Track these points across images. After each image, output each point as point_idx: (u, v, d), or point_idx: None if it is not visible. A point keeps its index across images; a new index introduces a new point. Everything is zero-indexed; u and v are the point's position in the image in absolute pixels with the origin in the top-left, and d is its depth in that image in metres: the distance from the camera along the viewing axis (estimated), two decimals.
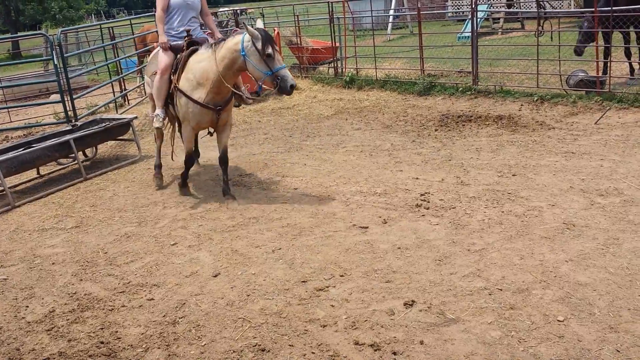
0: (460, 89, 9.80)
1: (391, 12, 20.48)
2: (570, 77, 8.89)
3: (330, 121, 9.05)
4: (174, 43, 5.96)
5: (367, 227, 4.93)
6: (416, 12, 10.98)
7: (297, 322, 3.59)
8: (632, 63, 9.19)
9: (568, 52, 9.86)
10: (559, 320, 3.35)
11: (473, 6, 9.75)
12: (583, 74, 8.77)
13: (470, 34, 10.36)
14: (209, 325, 3.67)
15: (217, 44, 5.54)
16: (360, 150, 7.31)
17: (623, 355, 3.01)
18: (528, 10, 15.36)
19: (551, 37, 9.03)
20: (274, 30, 11.80)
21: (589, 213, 4.79)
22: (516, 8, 17.75)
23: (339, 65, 12.17)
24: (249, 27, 5.26)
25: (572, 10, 15.83)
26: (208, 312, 3.81)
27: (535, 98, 8.68)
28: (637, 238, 4.28)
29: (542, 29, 8.94)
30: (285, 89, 5.32)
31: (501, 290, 3.73)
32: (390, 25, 20.01)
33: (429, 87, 10.22)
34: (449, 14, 22.11)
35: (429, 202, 5.36)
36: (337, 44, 12.21)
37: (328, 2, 11.96)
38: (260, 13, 18.28)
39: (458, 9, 22.41)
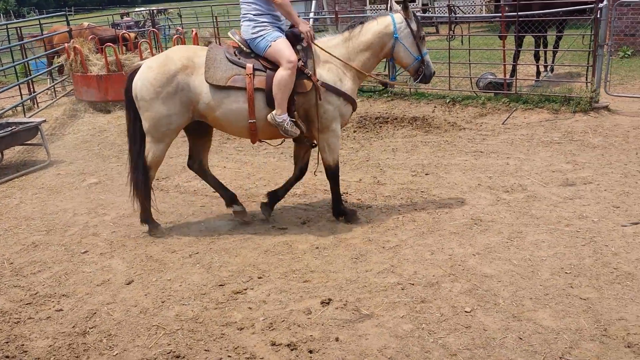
0: (377, 91, 10.03)
1: (311, 15, 20.66)
2: (480, 80, 9.31)
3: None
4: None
5: (286, 228, 4.95)
6: (337, 15, 11.12)
7: (214, 326, 3.55)
8: (539, 66, 9.77)
9: (478, 55, 10.33)
10: (466, 311, 3.50)
11: (388, 10, 9.99)
12: (492, 77, 9.22)
13: None
14: (121, 334, 3.56)
15: (352, 28, 4.81)
16: (281, 152, 7.33)
17: (525, 342, 3.19)
18: (441, 15, 15.94)
19: (462, 41, 9.42)
20: (192, 31, 11.61)
21: (495, 209, 5.04)
22: (431, 13, 18.38)
23: None
24: (397, 8, 4.80)
25: (483, 15, 16.61)
26: (120, 321, 3.70)
27: (448, 100, 9.03)
28: (539, 231, 4.55)
29: (454, 33, 9.31)
30: (429, 77, 4.87)
31: (413, 284, 3.86)
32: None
33: None
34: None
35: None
36: None
37: None
38: (178, 14, 17.94)
39: (375, 13, 22.91)
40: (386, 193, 5.63)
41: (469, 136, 7.46)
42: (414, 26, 4.75)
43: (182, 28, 13.14)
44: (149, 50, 10.43)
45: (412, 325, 3.41)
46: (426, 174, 6.09)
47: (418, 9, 18.88)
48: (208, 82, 4.54)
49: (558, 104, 8.11)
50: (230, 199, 5.14)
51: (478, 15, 17.69)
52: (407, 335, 3.31)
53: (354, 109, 4.92)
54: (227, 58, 4.64)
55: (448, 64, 9.41)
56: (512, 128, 7.66)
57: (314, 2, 21.10)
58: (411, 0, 11.97)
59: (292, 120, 4.59)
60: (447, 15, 9.41)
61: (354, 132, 8.09)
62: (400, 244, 4.49)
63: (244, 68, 4.59)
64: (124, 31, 13.79)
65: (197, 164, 5.15)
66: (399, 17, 4.76)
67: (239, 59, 4.65)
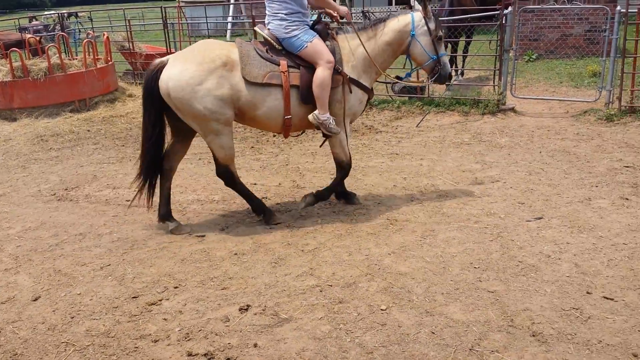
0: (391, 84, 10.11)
1: (229, 18, 20.50)
2: (395, 84, 9.56)
3: (167, 129, 8.78)
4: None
5: (204, 236, 4.87)
6: (254, 20, 11.08)
7: (127, 340, 3.43)
8: (452, 70, 10.16)
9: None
10: (382, 309, 3.57)
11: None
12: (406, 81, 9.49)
13: None
14: (27, 353, 3.37)
15: (374, 26, 4.88)
16: (199, 158, 7.21)
17: (437, 336, 3.30)
18: (357, 21, 16.29)
19: None
20: (104, 34, 11.20)
21: (410, 208, 5.19)
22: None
23: None
24: (417, 7, 4.88)
25: None
26: (27, 339, 3.49)
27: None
28: (450, 229, 4.72)
29: None
30: (445, 77, 4.99)
31: (331, 286, 3.90)
32: (229, 32, 20.01)
33: None
34: None
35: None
36: (173, 50, 11.93)
37: (161, 7, 11.63)
38: (89, 17, 17.25)
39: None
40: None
41: (385, 139, 7.65)
42: (431, 25, 4.86)
43: (94, 32, 12.66)
44: (57, 55, 9.95)
45: (330, 326, 3.44)
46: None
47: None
48: (245, 79, 4.52)
49: (468, 107, 8.48)
50: (165, 215, 5.02)
51: None
52: (325, 337, 3.34)
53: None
54: (259, 54, 4.65)
55: None
56: (425, 130, 7.92)
57: (231, 7, 20.94)
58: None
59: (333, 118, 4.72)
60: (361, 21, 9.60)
61: (274, 136, 8.09)
62: (319, 247, 4.52)
63: (278, 65, 4.63)
64: (29, 35, 13.11)
65: (169, 166, 5.00)
66: (418, 15, 4.87)
67: (271, 56, 4.68)
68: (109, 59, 10.71)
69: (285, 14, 4.67)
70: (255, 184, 6.10)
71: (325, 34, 4.79)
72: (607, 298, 3.59)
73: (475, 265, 4.09)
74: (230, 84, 4.52)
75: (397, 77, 5.45)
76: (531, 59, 12.24)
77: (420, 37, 4.86)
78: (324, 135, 4.96)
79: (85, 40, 10.79)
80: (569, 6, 8.62)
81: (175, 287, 4.01)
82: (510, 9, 8.13)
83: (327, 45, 4.71)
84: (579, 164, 6.14)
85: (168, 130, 4.93)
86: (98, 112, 9.90)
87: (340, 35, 4.90)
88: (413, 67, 5.27)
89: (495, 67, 8.66)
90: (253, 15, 10.99)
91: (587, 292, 3.66)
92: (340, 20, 4.99)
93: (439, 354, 3.13)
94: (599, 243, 4.31)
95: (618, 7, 7.93)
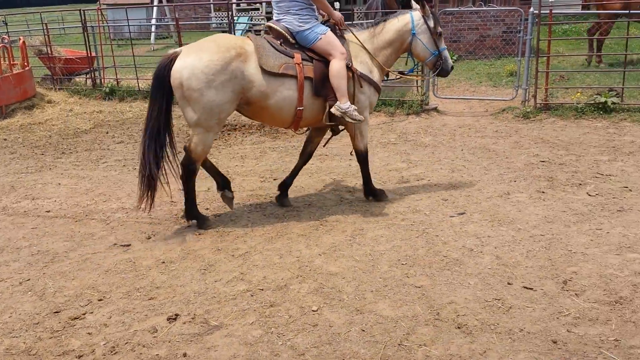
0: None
1: (153, 21, 20.01)
2: None
3: (89, 135, 8.49)
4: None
5: (129, 245, 4.73)
6: (177, 22, 10.87)
7: (49, 357, 3.28)
8: None
9: None
10: (313, 310, 3.60)
11: (230, 18, 10.03)
12: None
13: None
14: None
15: (375, 25, 5.13)
16: (123, 165, 6.99)
17: (367, 333, 3.35)
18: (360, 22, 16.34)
19: None
20: (20, 39, 10.67)
21: (340, 209, 5.25)
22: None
23: (98, 75, 11.49)
24: (416, 5, 5.15)
25: None
26: None
27: None
28: (378, 227, 4.81)
29: None
30: (447, 71, 5.26)
31: (262, 290, 3.88)
32: (153, 35, 19.53)
33: None
34: (213, 25, 22.37)
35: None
36: (94, 54, 11.51)
37: (80, 10, 11.19)
38: (3, 21, 16.36)
39: (222, 20, 22.78)
40: (235, 201, 5.59)
41: None
42: (431, 23, 5.12)
43: (9, 36, 12.01)
44: None
45: (261, 330, 3.42)
46: (274, 179, 6.17)
47: (263, 17, 19.11)
48: (263, 68, 4.58)
49: (394, 107, 8.67)
50: (224, 184, 5.14)
51: None
52: (257, 341, 3.32)
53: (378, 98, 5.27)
54: (273, 47, 4.75)
55: None
56: None
57: (155, 9, 20.45)
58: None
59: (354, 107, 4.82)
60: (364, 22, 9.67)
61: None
62: (249, 251, 4.49)
63: (292, 57, 4.74)
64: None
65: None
66: (417, 14, 5.13)
67: (285, 48, 4.78)
68: (25, 64, 10.20)
69: (297, 10, 4.83)
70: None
71: (335, 29, 4.98)
72: (527, 288, 3.77)
73: (402, 262, 4.19)
74: (244, 75, 4.57)
75: (400, 73, 5.67)
76: (452, 60, 12.67)
77: (420, 35, 5.13)
78: (333, 132, 5.24)
79: None
80: (485, 8, 8.98)
81: (100, 300, 3.87)
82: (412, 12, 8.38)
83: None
84: (498, 160, 6.41)
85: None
86: (15, 119, 9.39)
87: (348, 34, 5.08)
88: (416, 64, 5.51)
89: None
90: (177, 17, 10.77)
91: (508, 283, 3.83)
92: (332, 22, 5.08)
93: (369, 351, 3.18)
94: (518, 235, 4.52)
95: (531, 9, 8.34)
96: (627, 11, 9.15)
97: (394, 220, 4.94)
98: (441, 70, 5.28)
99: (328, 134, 5.40)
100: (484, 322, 3.40)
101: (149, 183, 4.71)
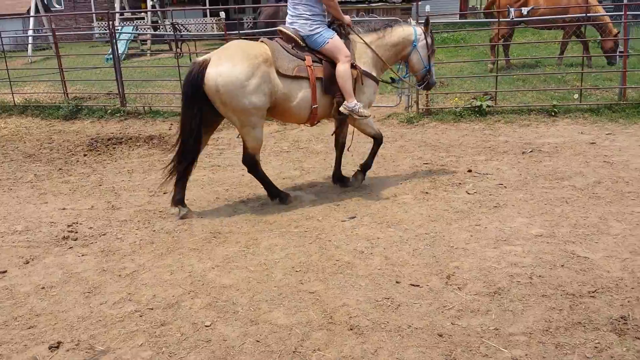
0: (109, 111, 9.58)
1: (30, 32, 18.79)
2: None
3: None
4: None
5: (5, 272, 4.38)
6: (55, 33, 10.29)
7: None
8: None
9: None
10: (206, 326, 3.52)
11: (111, 28, 9.65)
12: None
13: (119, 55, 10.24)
14: None
15: (383, 29, 5.61)
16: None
17: (262, 343, 3.33)
18: (169, 32, 15.93)
19: (190, 58, 9.53)
20: None
21: (233, 219, 5.19)
22: (162, 30, 18.22)
23: None
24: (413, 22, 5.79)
25: (208, 33, 17.06)
26: None
27: None
28: (272, 236, 4.81)
29: (181, 51, 9.38)
30: (432, 84, 5.92)
31: (152, 309, 3.74)
32: (30, 46, 18.34)
33: (75, 111, 9.72)
34: (96, 35, 21.41)
35: (77, 232, 5.07)
36: None
37: None
38: None
39: (105, 30, 21.87)
40: (122, 217, 5.37)
41: (206, 151, 7.54)
42: (429, 40, 5.71)
43: None
44: None
45: (151, 351, 3.29)
46: (164, 193, 5.99)
47: (148, 27, 18.56)
48: (279, 72, 4.99)
49: None
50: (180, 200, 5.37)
51: (204, 33, 18.12)
52: None
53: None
54: (286, 50, 5.14)
55: (179, 81, 9.43)
56: None
57: (32, 19, 19.20)
58: (215, 15, 11.54)
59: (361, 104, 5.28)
60: (174, 33, 9.46)
61: (85, 155, 7.58)
62: (138, 269, 4.32)
63: (303, 60, 5.14)
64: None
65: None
66: (419, 30, 5.71)
67: (296, 52, 5.17)
68: None
69: (310, 15, 5.21)
70: (64, 208, 5.66)
71: (341, 33, 5.39)
72: (414, 285, 3.92)
73: (297, 269, 4.21)
74: (271, 78, 4.98)
75: (392, 79, 6.10)
76: None
77: (420, 48, 5.68)
78: (339, 126, 5.70)
79: None
80: (367, 19, 9.30)
81: None
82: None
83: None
84: (385, 164, 6.65)
85: None
86: None
87: (353, 35, 5.50)
88: (406, 73, 6.01)
89: None
90: (53, 28, 10.18)
91: (397, 282, 3.97)
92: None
93: None
94: (404, 235, 4.70)
95: (410, 19, 8.72)
96: (521, 18, 9.85)
97: (288, 227, 4.96)
98: (427, 83, 5.89)
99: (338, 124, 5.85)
100: (375, 321, 3.50)
101: (179, 176, 5.24)
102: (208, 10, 23.48)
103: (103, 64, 14.66)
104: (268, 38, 5.30)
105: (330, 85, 5.23)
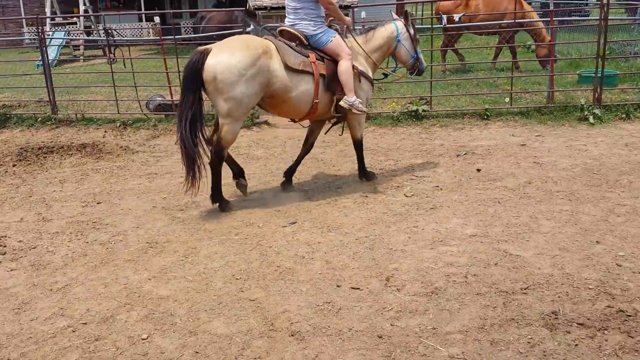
0: (40, 119, 9.20)
1: None
2: (150, 102, 9.33)
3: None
4: None
5: None
6: None
7: None
8: None
9: (142, 78, 10.32)
10: (143, 339, 3.42)
11: (42, 34, 9.30)
12: (161, 99, 9.32)
13: (50, 61, 9.87)
14: None
15: (367, 32, 5.92)
16: None
17: (201, 354, 3.27)
18: (102, 38, 15.49)
19: (124, 64, 9.29)
20: None
21: (171, 229, 5.08)
22: (95, 36, 17.67)
23: None
24: (395, 16, 6.06)
25: (144, 38, 16.70)
26: None
27: (118, 124, 8.81)
28: (212, 244, 4.74)
29: (115, 56, 9.14)
30: (422, 70, 6.14)
31: (85, 324, 3.61)
32: None
33: (4, 120, 9.28)
34: (27, 41, 20.53)
35: (5, 246, 4.83)
36: None
37: None
38: None
39: (35, 35, 21.03)
40: (53, 229, 5.16)
41: (142, 159, 7.38)
42: (411, 31, 5.97)
43: None
44: None
45: None
46: (98, 203, 5.81)
47: (81, 32, 17.97)
48: (286, 64, 5.20)
49: None
50: (239, 172, 5.76)
51: (138, 38, 17.72)
52: None
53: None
54: (290, 47, 5.37)
55: (113, 87, 9.19)
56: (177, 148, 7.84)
57: None
58: (252, 15, 11.13)
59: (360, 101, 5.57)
60: (107, 38, 9.19)
61: (14, 166, 7.23)
62: (70, 283, 4.15)
63: (307, 57, 5.39)
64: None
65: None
66: (400, 24, 5.96)
67: (300, 49, 5.42)
68: None
69: (311, 17, 5.50)
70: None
71: (339, 33, 5.67)
72: (354, 288, 3.95)
73: (237, 276, 4.17)
74: (269, 70, 5.14)
75: (384, 75, 6.43)
76: None
77: (404, 41, 5.95)
78: (337, 120, 5.87)
79: None
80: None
81: None
82: (252, 27, 8.53)
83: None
84: (326, 168, 6.69)
85: None
86: None
87: (349, 37, 5.81)
88: (396, 66, 6.28)
89: None
90: None
91: (337, 286, 3.99)
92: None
93: None
94: (345, 239, 4.73)
95: (392, 13, 8.80)
96: (452, 24, 10.09)
97: (228, 235, 4.90)
98: (418, 70, 6.15)
99: (327, 125, 6.12)
100: (316, 326, 3.50)
101: (193, 168, 5.15)
102: (144, 15, 22.97)
103: (34, 70, 14.06)
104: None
105: (331, 82, 5.49)
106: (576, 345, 3.24)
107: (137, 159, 7.41)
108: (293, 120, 5.87)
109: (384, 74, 6.40)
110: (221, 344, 3.36)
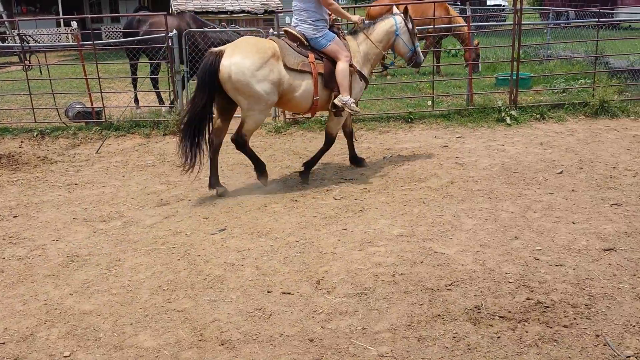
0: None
1: None
2: (69, 110, 8.96)
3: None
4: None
5: None
6: None
7: None
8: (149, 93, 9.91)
9: (60, 85, 9.89)
10: (65, 357, 3.28)
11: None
12: (80, 106, 8.97)
13: None
14: None
15: (367, 28, 6.19)
16: None
17: None
18: (16, 44, 14.70)
19: (40, 71, 8.89)
20: None
21: (92, 241, 4.90)
22: (10, 42, 16.76)
23: None
24: (397, 12, 6.27)
25: (61, 44, 16.02)
26: None
27: (36, 133, 8.41)
28: (137, 255, 4.61)
29: (30, 63, 8.71)
30: (420, 63, 6.41)
31: (4, 343, 3.42)
32: None
33: None
34: None
35: None
36: None
37: None
38: None
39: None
40: None
41: (62, 169, 7.08)
42: (409, 25, 6.24)
43: None
44: None
45: None
46: (15, 217, 5.52)
47: None
48: (286, 66, 5.63)
49: (149, 129, 8.44)
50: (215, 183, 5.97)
51: (55, 44, 16.96)
52: None
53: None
54: (291, 47, 5.77)
55: (30, 95, 8.76)
56: (106, 156, 7.60)
57: None
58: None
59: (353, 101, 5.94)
60: (21, 44, 8.75)
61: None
62: None
63: (307, 57, 5.78)
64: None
65: (219, 141, 5.98)
66: (399, 18, 6.25)
67: (300, 50, 5.80)
68: None
69: (313, 21, 5.82)
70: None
71: (338, 35, 6.00)
72: (285, 293, 3.95)
73: (164, 287, 4.07)
74: (278, 71, 5.62)
75: (383, 66, 6.83)
76: None
77: (402, 35, 6.23)
78: (335, 114, 6.05)
79: None
80: (228, 29, 9.28)
81: None
82: (174, 32, 8.38)
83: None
84: (254, 174, 6.63)
85: None
86: None
87: (348, 36, 6.19)
88: (394, 58, 6.79)
89: (169, 89, 8.81)
90: None
91: (268, 291, 3.97)
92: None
93: None
94: (275, 244, 4.72)
95: (271, 30, 8.84)
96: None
97: (154, 245, 4.78)
98: (415, 62, 6.43)
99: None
100: (247, 333, 3.47)
101: (193, 158, 5.65)
102: (62, 20, 22.01)
103: None
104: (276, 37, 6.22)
105: (329, 81, 5.85)
106: (498, 337, 3.38)
107: (56, 169, 7.09)
108: (297, 114, 6.44)
109: (383, 65, 6.84)
110: (148, 357, 3.27)
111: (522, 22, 5.83)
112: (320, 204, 5.61)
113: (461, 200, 5.51)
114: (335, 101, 5.85)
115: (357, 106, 6.12)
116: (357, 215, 5.27)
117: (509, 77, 8.99)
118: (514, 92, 8.74)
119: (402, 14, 6.35)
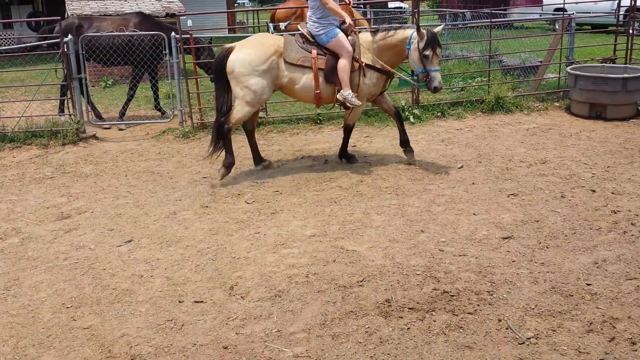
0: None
1: None
2: None
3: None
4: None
5: None
6: None
7: None
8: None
9: None
10: None
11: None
12: None
13: None
14: None
15: (387, 31, 6.24)
16: None
17: None
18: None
19: None
20: None
21: None
22: None
23: None
24: (421, 28, 5.90)
25: None
26: None
27: None
28: (37, 272, 4.35)
29: None
30: (432, 90, 6.07)
31: None
32: None
33: None
34: None
35: None
36: None
37: None
38: None
39: None
40: None
41: None
42: (420, 45, 5.90)
43: None
44: None
45: None
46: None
47: None
48: (285, 61, 6.10)
49: (46, 139, 7.99)
50: (260, 159, 6.76)
51: None
52: None
53: (385, 87, 6.58)
54: (297, 44, 6.21)
55: None
56: (1, 169, 7.11)
57: None
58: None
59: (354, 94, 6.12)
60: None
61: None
62: None
63: (310, 53, 6.14)
64: None
65: (251, 127, 6.69)
66: (415, 34, 5.98)
67: (306, 46, 6.19)
68: None
69: (317, 18, 6.17)
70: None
71: (347, 32, 6.19)
72: (197, 302, 3.88)
73: (67, 305, 3.87)
74: (279, 67, 6.12)
75: (412, 73, 6.45)
76: (107, 85, 12.33)
77: (412, 51, 6.02)
78: (343, 106, 6.32)
79: None
80: (127, 33, 8.95)
81: None
82: (70, 36, 7.99)
83: (349, 40, 6.12)
84: (163, 181, 6.47)
85: None
86: None
87: (362, 33, 6.38)
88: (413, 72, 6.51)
89: (67, 97, 8.38)
90: None
91: (180, 301, 3.88)
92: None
93: None
94: (186, 252, 4.62)
95: (172, 33, 8.61)
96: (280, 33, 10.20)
97: (55, 261, 4.53)
98: (428, 85, 6.09)
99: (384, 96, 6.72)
100: (158, 346, 3.38)
101: (220, 143, 6.29)
102: None
103: None
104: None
105: (331, 76, 6.11)
106: (408, 328, 3.50)
107: None
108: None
109: (412, 72, 6.47)
110: None
111: (421, 25, 6.04)
112: (232, 208, 5.56)
113: (370, 198, 5.65)
114: (338, 95, 6.15)
115: (365, 100, 6.38)
116: (269, 218, 5.27)
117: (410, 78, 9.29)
118: (416, 92, 9.07)
119: (416, 31, 5.93)
